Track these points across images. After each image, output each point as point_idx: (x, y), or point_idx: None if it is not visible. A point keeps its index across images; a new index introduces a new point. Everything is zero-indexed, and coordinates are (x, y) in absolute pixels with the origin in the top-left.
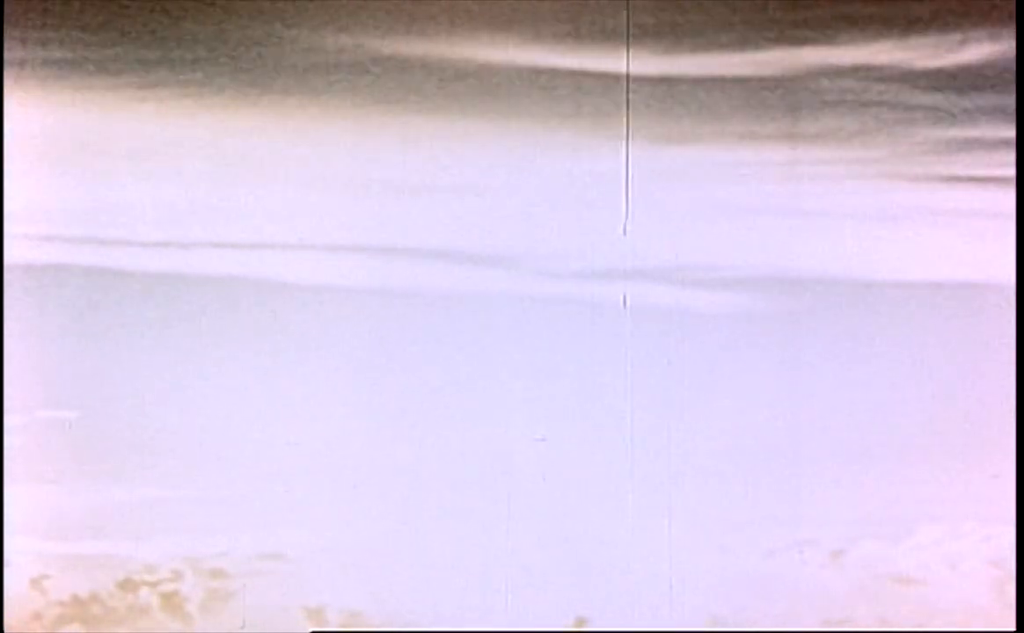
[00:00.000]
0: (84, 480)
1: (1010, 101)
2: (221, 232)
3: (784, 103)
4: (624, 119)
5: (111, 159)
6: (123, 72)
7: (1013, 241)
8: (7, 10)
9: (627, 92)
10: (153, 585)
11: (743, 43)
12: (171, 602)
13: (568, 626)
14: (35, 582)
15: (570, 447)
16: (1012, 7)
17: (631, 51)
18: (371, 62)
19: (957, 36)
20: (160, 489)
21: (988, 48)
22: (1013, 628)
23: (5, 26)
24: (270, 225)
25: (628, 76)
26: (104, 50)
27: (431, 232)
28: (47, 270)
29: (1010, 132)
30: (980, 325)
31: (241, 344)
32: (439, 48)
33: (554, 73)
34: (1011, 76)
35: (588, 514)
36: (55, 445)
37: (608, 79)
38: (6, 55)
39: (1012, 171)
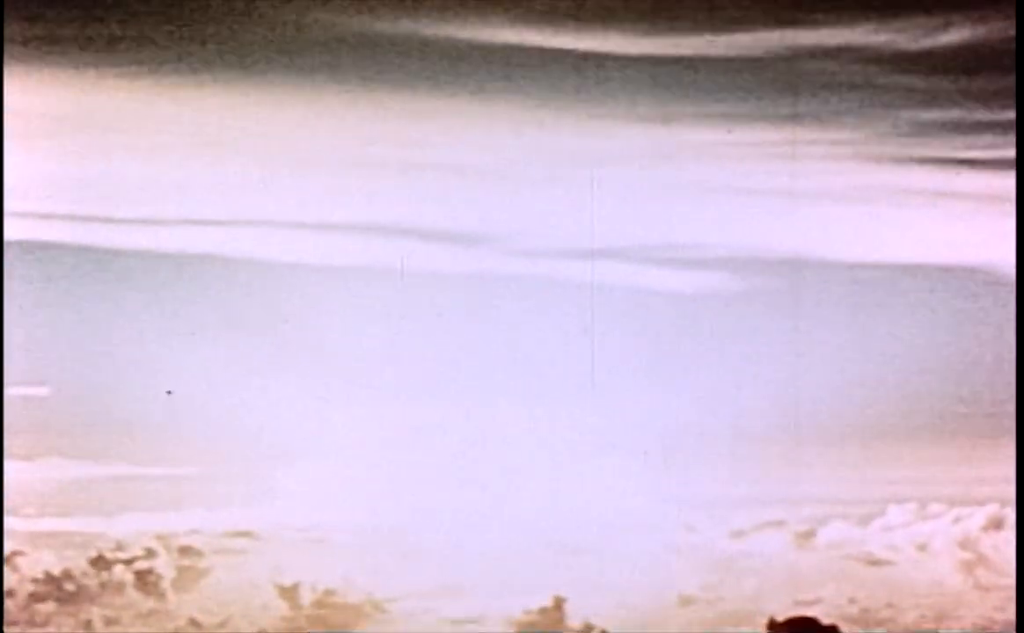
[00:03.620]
0: (56, 457)
1: (992, 84)
2: (200, 210)
3: (770, 84)
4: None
5: (88, 137)
6: (105, 50)
7: (1013, 224)
8: None
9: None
10: (127, 563)
11: (729, 25)
12: (145, 580)
13: (543, 603)
14: (7, 559)
15: (544, 424)
16: None
17: (623, 32)
18: (354, 41)
19: (941, 19)
20: (131, 466)
21: (971, 31)
22: (1005, 624)
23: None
24: (248, 204)
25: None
26: (86, 28)
27: (412, 210)
28: (19, 247)
29: (994, 115)
30: (963, 308)
31: (216, 322)
32: (425, 26)
33: (544, 53)
34: (994, 59)
35: (562, 493)
36: (27, 422)
37: (595, 60)
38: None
39: (996, 153)
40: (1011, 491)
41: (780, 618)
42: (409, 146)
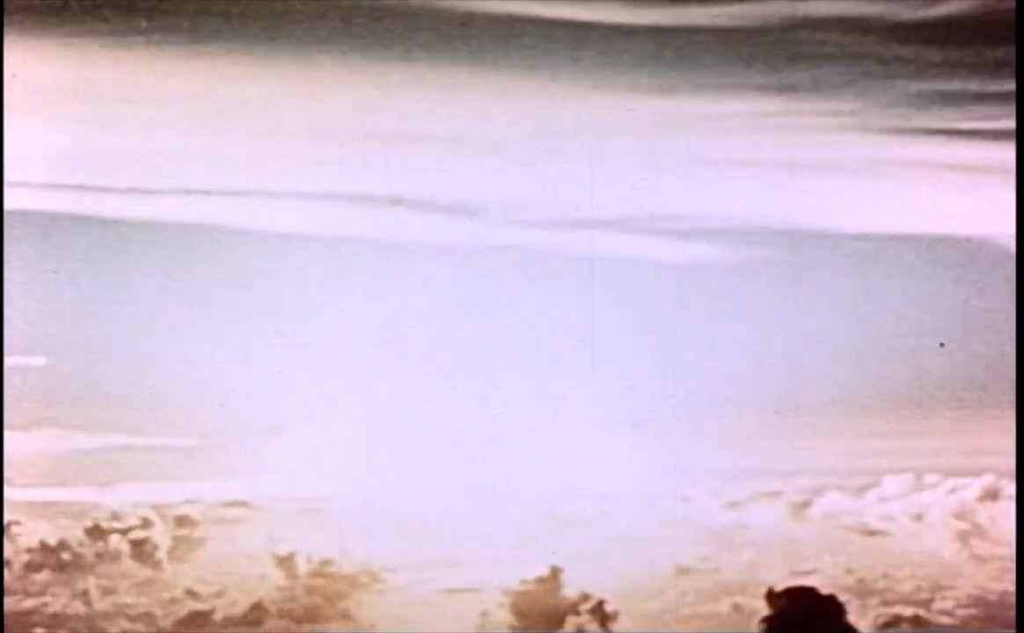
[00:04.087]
0: (52, 427)
1: (991, 55)
2: (197, 180)
3: (764, 55)
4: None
5: (84, 108)
6: (103, 20)
7: (1010, 194)
8: None
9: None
10: (123, 533)
11: None
12: (141, 550)
13: (540, 574)
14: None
15: (538, 396)
16: None
17: (624, 2)
18: (354, 12)
19: None
20: (127, 437)
21: (966, 2)
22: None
23: None
24: (242, 174)
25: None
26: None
27: (411, 182)
28: (14, 216)
29: (993, 86)
30: (960, 279)
31: (210, 292)
32: None
33: (544, 23)
34: (992, 30)
35: (557, 465)
36: (23, 392)
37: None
38: None
39: (994, 124)
40: (1007, 462)
41: (778, 588)
42: (408, 117)
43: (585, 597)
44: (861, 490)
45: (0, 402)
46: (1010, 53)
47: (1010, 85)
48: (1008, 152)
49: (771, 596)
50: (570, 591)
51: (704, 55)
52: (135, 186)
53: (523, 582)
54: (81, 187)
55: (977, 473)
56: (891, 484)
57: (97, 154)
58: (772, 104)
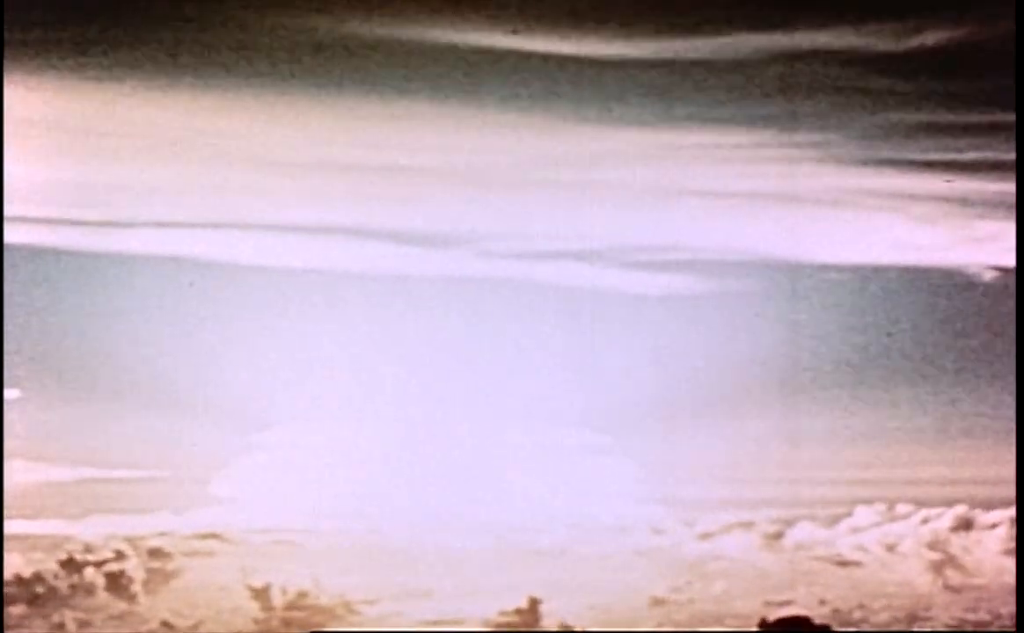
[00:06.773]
0: (25, 459)
1: (980, 84)
2: (167, 212)
3: (754, 87)
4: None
5: (56, 139)
6: (79, 52)
7: (999, 228)
8: None
9: None
10: (97, 565)
11: (700, 28)
12: (116, 582)
13: (519, 605)
14: None
15: (513, 427)
16: None
17: (614, 36)
18: (324, 45)
19: (913, 22)
20: (100, 469)
21: (945, 34)
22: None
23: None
24: (217, 206)
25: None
26: (65, 31)
27: (394, 214)
28: None
29: (983, 116)
30: (933, 309)
31: (184, 324)
32: (396, 30)
33: (536, 57)
34: (982, 59)
35: (532, 494)
36: None
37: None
38: None
39: (984, 155)
40: (978, 491)
41: (771, 618)
42: (395, 150)
43: (566, 628)
44: (833, 520)
45: (0, 433)
46: (1005, 82)
47: (1006, 116)
48: (1000, 184)
49: (764, 627)
50: (549, 622)
51: (693, 88)
52: (109, 219)
53: (502, 613)
54: (54, 220)
55: (949, 503)
56: (863, 514)
57: (70, 187)
58: (762, 136)
